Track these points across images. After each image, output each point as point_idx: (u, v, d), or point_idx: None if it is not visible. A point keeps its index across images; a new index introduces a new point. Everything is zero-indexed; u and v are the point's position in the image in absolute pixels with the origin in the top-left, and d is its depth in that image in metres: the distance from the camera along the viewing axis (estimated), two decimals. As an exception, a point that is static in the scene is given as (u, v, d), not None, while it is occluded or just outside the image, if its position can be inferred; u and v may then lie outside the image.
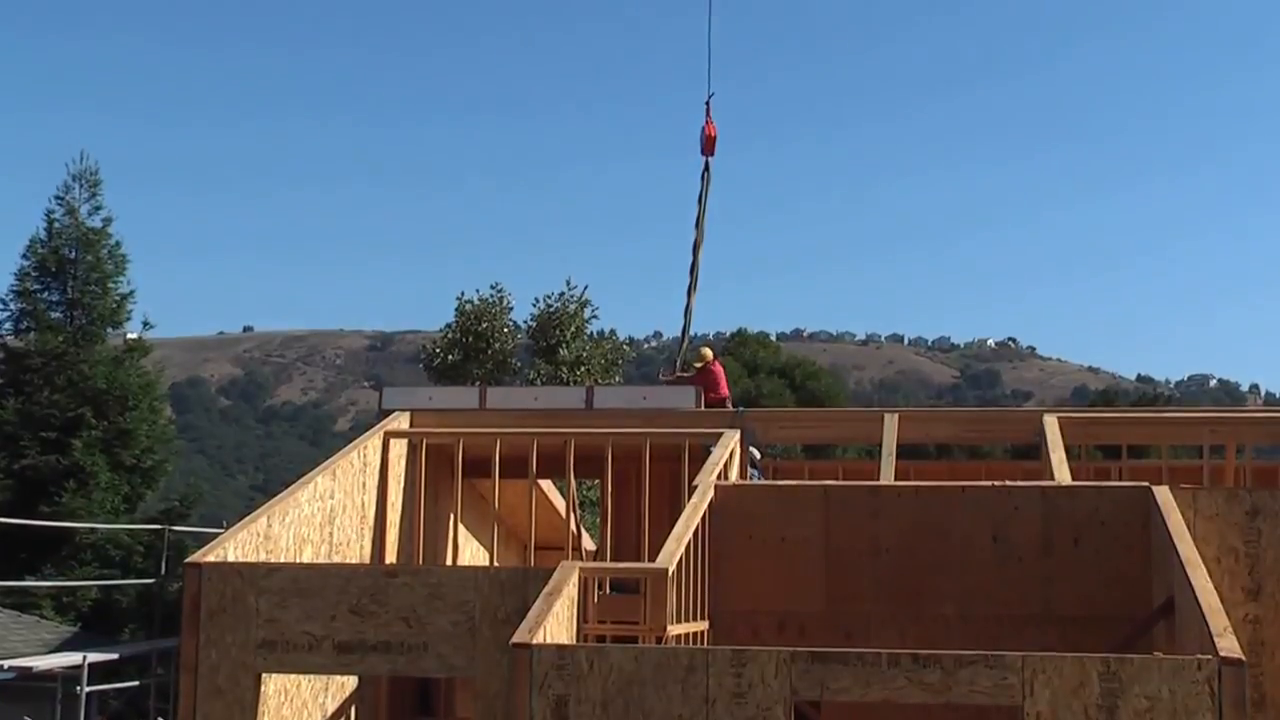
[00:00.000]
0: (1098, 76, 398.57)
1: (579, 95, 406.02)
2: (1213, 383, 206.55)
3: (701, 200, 20.01)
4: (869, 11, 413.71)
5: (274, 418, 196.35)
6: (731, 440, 14.70)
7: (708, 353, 19.43)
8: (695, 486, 13.08)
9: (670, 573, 11.22)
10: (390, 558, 14.95)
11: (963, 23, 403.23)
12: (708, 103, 19.93)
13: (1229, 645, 9.15)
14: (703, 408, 16.61)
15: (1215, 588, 10.38)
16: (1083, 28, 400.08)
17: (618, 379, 33.33)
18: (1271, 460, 17.80)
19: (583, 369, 32.23)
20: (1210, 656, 9.03)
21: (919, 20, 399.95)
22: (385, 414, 16.05)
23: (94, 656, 17.10)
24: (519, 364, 33.63)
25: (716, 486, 13.07)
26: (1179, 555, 10.86)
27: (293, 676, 12.09)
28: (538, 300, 33.64)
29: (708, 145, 19.97)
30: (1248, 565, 11.83)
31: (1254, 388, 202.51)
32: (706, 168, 20.03)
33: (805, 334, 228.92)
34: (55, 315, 29.37)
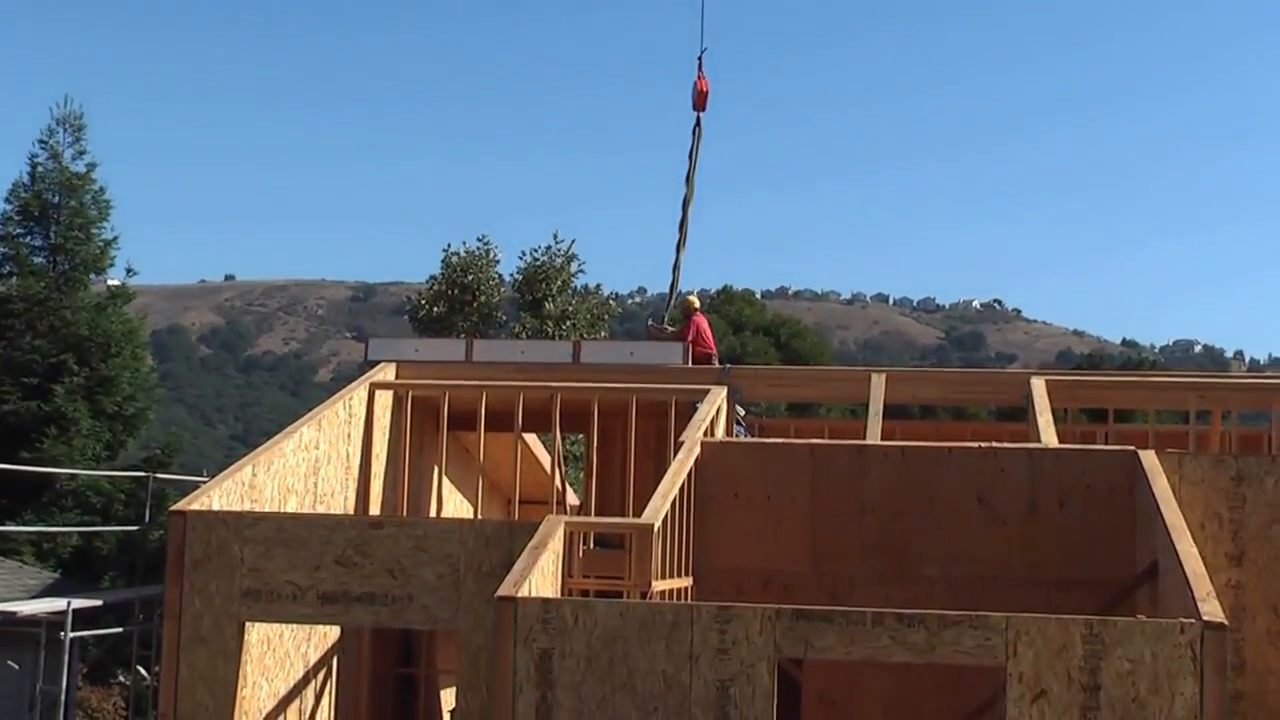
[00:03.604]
0: (1090, 46, 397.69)
1: (568, 47, 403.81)
2: (1197, 348, 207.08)
3: (692, 156, 19.92)
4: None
5: (255, 367, 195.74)
6: (718, 397, 14.67)
7: (694, 301, 19.42)
8: (681, 443, 13.06)
9: (656, 529, 11.22)
10: (374, 509, 14.92)
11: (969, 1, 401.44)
12: (700, 58, 19.83)
13: (1212, 610, 9.19)
14: (690, 363, 16.57)
15: (1199, 552, 10.43)
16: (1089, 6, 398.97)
17: (603, 334, 33.29)
18: (1257, 426, 17.85)
19: (568, 323, 32.17)
20: (1193, 620, 9.07)
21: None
22: (371, 365, 15.98)
23: (78, 603, 17.05)
24: (504, 317, 33.56)
25: (703, 443, 13.05)
26: (1164, 520, 10.89)
27: (275, 626, 12.08)
28: (524, 253, 33.60)
29: (699, 100, 19.86)
30: (1231, 531, 11.88)
31: (1238, 354, 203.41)
32: (698, 123, 19.92)
33: (790, 292, 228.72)
34: (38, 260, 29.13)
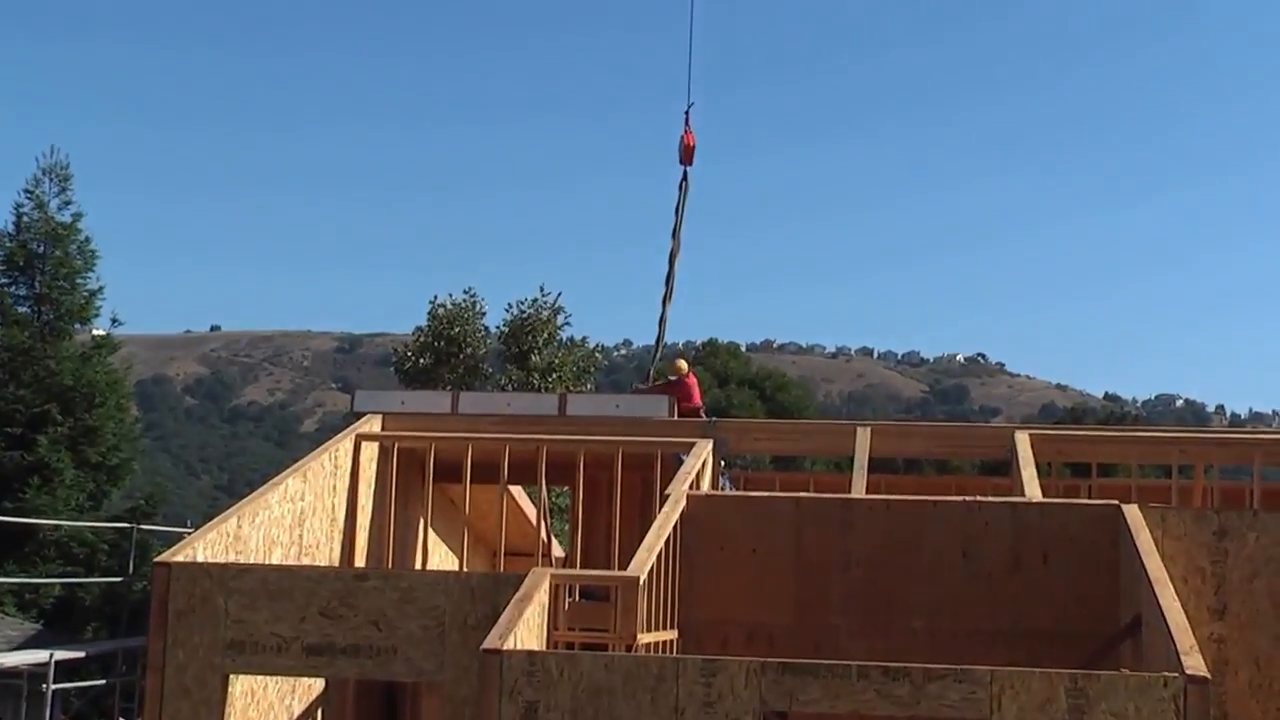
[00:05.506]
0: (1068, 99, 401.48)
1: (555, 102, 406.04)
2: (1179, 403, 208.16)
3: (679, 210, 20.05)
4: (847, 28, 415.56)
5: (240, 418, 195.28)
6: (704, 450, 14.71)
7: (683, 365, 19.44)
8: (667, 496, 13.09)
9: (641, 581, 11.23)
10: (359, 561, 14.90)
11: (941, 42, 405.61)
12: (687, 112, 20.00)
13: (1195, 663, 9.23)
14: (675, 417, 16.62)
15: (1182, 606, 10.47)
16: (1054, 49, 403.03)
17: (589, 386, 33.36)
18: (1238, 481, 17.95)
19: (554, 375, 32.24)
20: (1176, 674, 9.11)
21: (896, 38, 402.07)
22: (357, 416, 16.00)
23: (61, 654, 16.96)
24: (490, 369, 33.62)
25: (689, 496, 13.08)
26: (1147, 574, 10.94)
27: (259, 678, 12.04)
28: (511, 306, 33.71)
29: (686, 155, 20.01)
30: (1214, 585, 11.94)
31: (1219, 408, 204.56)
32: (684, 177, 20.07)
33: (775, 345, 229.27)
34: (22, 310, 29.14)
